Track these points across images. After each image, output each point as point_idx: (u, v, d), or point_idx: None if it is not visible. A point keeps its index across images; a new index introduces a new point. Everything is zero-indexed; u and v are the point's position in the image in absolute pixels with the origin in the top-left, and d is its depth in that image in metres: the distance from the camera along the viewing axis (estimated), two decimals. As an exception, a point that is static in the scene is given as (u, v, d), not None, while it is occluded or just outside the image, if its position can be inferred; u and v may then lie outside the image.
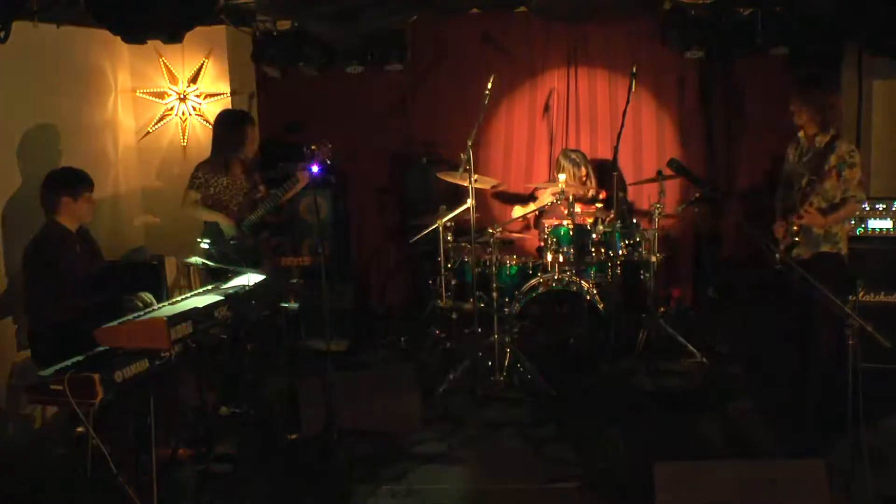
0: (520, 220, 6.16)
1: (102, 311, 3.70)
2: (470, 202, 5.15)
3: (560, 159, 5.95)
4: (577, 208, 5.52)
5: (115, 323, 3.56)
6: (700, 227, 6.27)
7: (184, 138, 6.11)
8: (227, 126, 5.09)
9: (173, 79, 6.06)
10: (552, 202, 5.69)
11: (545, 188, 5.93)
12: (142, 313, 3.77)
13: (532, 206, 5.98)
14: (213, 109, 6.01)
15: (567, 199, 5.38)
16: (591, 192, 5.84)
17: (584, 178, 5.85)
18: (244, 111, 5.90)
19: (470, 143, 5.05)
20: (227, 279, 4.41)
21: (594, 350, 5.01)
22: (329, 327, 5.02)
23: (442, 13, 6.05)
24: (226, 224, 4.93)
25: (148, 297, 4.03)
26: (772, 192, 5.15)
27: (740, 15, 5.52)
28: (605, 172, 5.96)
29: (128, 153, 6.08)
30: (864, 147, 5.52)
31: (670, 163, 5.46)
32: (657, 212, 5.36)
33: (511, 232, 5.99)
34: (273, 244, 5.39)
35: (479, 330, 5.31)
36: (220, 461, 4.08)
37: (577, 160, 5.88)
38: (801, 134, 4.72)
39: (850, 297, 4.38)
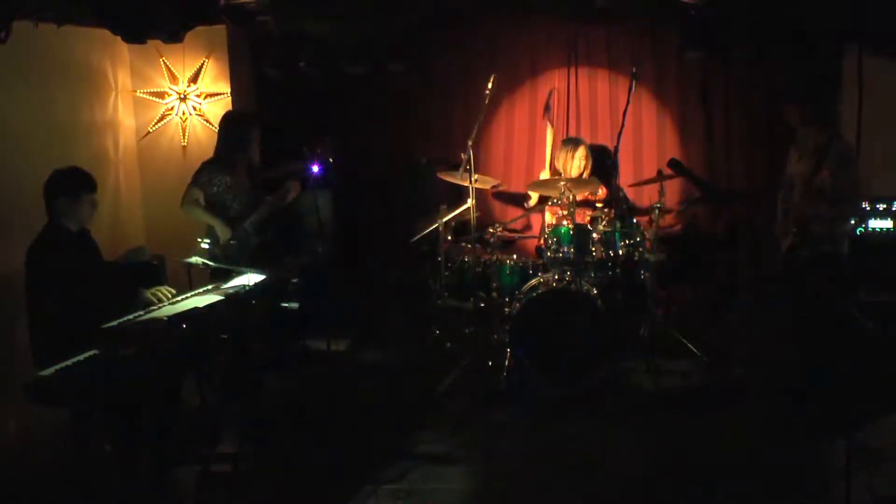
0: (521, 218, 6.18)
1: (105, 310, 3.69)
2: (470, 202, 5.15)
3: (558, 149, 5.94)
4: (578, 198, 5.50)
5: (115, 323, 3.56)
6: (700, 227, 6.27)
7: (184, 138, 6.11)
8: (235, 128, 5.09)
9: (173, 79, 6.06)
10: (555, 200, 5.68)
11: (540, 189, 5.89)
12: (142, 313, 3.78)
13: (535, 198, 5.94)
14: (213, 109, 6.02)
15: (568, 198, 5.37)
16: (585, 173, 5.81)
17: (580, 168, 5.81)
18: (251, 113, 5.91)
19: (470, 142, 5.05)
20: (228, 279, 4.42)
21: (594, 350, 5.01)
22: (329, 327, 5.04)
23: (443, 14, 6.06)
24: (221, 229, 4.93)
25: (168, 291, 4.04)
26: (772, 192, 5.16)
27: (740, 15, 5.51)
28: (604, 170, 5.97)
29: (128, 153, 6.08)
30: (864, 147, 5.51)
31: (670, 163, 5.45)
32: (657, 212, 5.36)
33: (511, 232, 6.00)
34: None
35: (479, 330, 5.32)
36: (220, 461, 4.08)
37: (574, 143, 5.86)
38: (801, 133, 4.73)
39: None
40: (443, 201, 5.47)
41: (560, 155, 5.88)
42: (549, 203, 5.74)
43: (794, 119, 4.72)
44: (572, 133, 6.35)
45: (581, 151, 5.83)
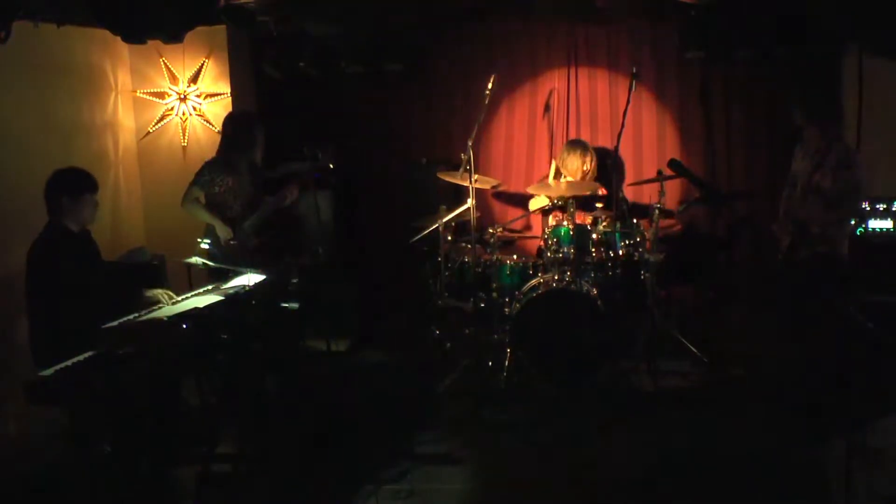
0: (521, 218, 6.18)
1: (105, 310, 3.70)
2: (470, 202, 5.15)
3: (562, 152, 5.93)
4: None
5: (115, 323, 3.56)
6: (700, 227, 6.27)
7: (184, 138, 6.11)
8: (239, 128, 5.09)
9: (173, 79, 6.06)
10: (556, 202, 5.68)
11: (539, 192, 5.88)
12: (142, 313, 3.78)
13: (542, 201, 5.93)
14: (213, 109, 6.02)
15: (567, 199, 5.38)
16: (590, 175, 5.81)
17: (585, 171, 5.80)
18: (255, 113, 5.91)
19: (470, 143, 5.05)
20: (228, 279, 4.42)
21: (594, 350, 5.01)
22: (329, 327, 5.03)
23: (442, 14, 6.06)
24: (222, 229, 4.93)
25: (167, 294, 4.05)
26: (772, 192, 5.16)
27: (740, 15, 5.51)
28: (604, 171, 5.97)
29: (128, 153, 6.08)
30: (863, 147, 5.51)
31: (670, 163, 5.45)
32: (657, 212, 5.36)
33: (511, 232, 5.99)
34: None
35: (479, 330, 5.31)
36: (220, 461, 4.08)
37: (584, 146, 5.85)
38: (805, 133, 4.73)
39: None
40: (443, 201, 5.47)
41: (564, 157, 5.87)
42: (550, 206, 5.73)
43: (799, 119, 4.73)
44: (572, 133, 6.35)
45: (586, 154, 5.82)
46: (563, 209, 5.58)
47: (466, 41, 6.45)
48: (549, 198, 5.75)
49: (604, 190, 5.86)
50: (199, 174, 4.97)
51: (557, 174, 5.97)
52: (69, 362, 3.40)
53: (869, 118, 5.62)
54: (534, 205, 6.02)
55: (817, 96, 4.79)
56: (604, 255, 5.38)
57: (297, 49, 6.00)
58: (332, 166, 5.03)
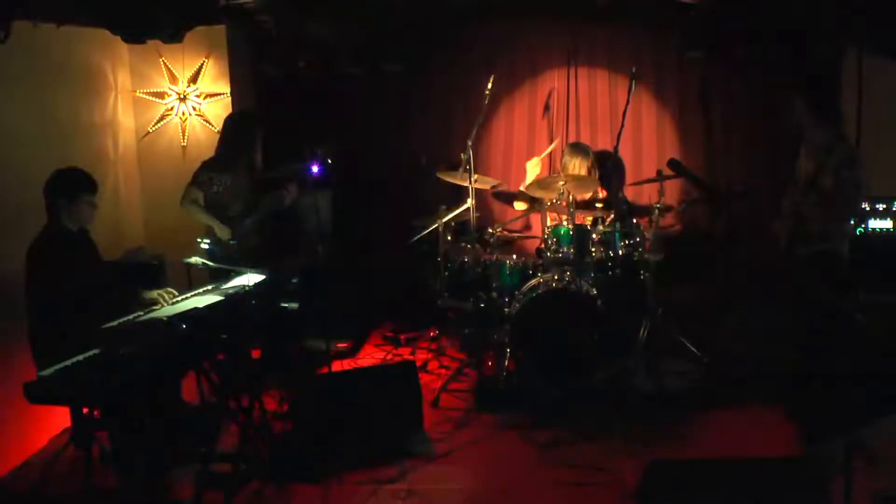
0: (521, 218, 6.17)
1: (105, 310, 3.70)
2: (470, 202, 5.15)
3: (563, 154, 5.93)
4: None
5: (115, 323, 3.56)
6: (699, 227, 6.27)
7: (184, 138, 6.11)
8: (239, 128, 5.09)
9: (173, 79, 6.06)
10: (553, 201, 5.67)
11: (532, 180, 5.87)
12: (141, 313, 3.78)
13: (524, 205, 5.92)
14: (213, 109, 6.02)
15: (567, 198, 5.37)
16: (590, 174, 5.81)
17: (587, 168, 5.80)
18: (255, 114, 5.91)
19: (470, 142, 5.05)
20: (228, 279, 4.42)
21: (594, 350, 5.01)
22: (329, 327, 5.03)
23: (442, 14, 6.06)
24: (220, 230, 4.93)
25: (168, 293, 4.05)
26: (772, 192, 5.16)
27: (740, 15, 5.51)
28: (604, 171, 5.96)
29: (128, 153, 6.08)
30: (863, 147, 5.52)
31: (670, 163, 5.45)
32: (657, 212, 5.36)
33: (511, 232, 5.99)
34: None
35: (479, 330, 5.31)
36: (220, 461, 4.08)
37: (585, 150, 5.85)
38: (808, 133, 4.74)
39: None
40: (443, 201, 5.47)
41: (567, 160, 5.87)
42: (549, 205, 5.73)
43: (802, 119, 4.73)
44: (572, 133, 6.35)
45: (587, 158, 5.81)
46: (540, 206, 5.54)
47: (466, 41, 6.45)
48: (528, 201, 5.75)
49: (603, 191, 5.86)
50: (198, 174, 4.97)
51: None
52: (69, 362, 3.40)
53: (869, 118, 5.63)
54: (518, 206, 6.01)
55: (819, 96, 4.79)
56: (604, 255, 5.38)
57: (297, 49, 6.00)
58: (329, 161, 5.01)
